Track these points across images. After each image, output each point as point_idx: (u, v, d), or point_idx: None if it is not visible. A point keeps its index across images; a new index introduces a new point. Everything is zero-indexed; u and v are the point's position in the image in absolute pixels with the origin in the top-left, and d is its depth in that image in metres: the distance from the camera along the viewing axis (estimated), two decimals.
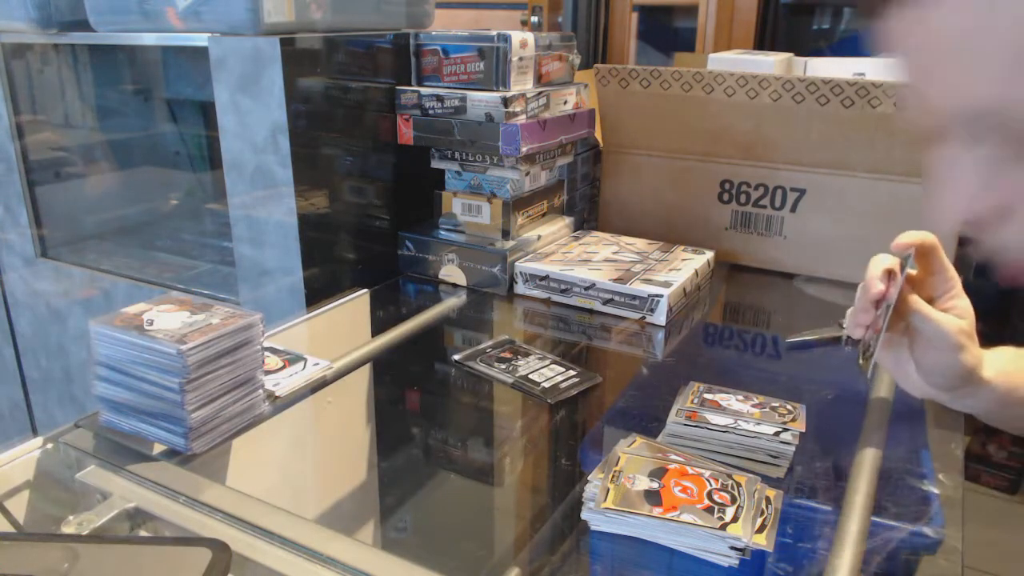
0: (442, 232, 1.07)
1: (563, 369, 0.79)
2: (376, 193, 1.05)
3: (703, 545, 0.51)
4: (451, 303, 1.00)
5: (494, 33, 0.96)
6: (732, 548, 0.50)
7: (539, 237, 1.07)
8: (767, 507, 0.54)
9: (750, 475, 0.57)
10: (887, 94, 0.94)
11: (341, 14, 0.99)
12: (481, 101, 0.97)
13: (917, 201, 0.98)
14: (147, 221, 1.44)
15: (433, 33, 1.02)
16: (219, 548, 0.47)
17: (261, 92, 0.89)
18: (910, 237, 0.61)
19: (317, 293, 0.96)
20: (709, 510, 0.52)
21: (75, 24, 1.07)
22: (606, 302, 0.94)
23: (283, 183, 0.92)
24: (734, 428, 0.65)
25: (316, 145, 0.94)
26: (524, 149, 0.96)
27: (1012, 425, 0.65)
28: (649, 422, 0.69)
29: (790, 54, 1.24)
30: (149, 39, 1.02)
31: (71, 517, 0.55)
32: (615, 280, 0.94)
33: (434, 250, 1.05)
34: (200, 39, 0.93)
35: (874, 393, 0.73)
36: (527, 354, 0.83)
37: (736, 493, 0.54)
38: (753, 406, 0.69)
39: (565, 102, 1.08)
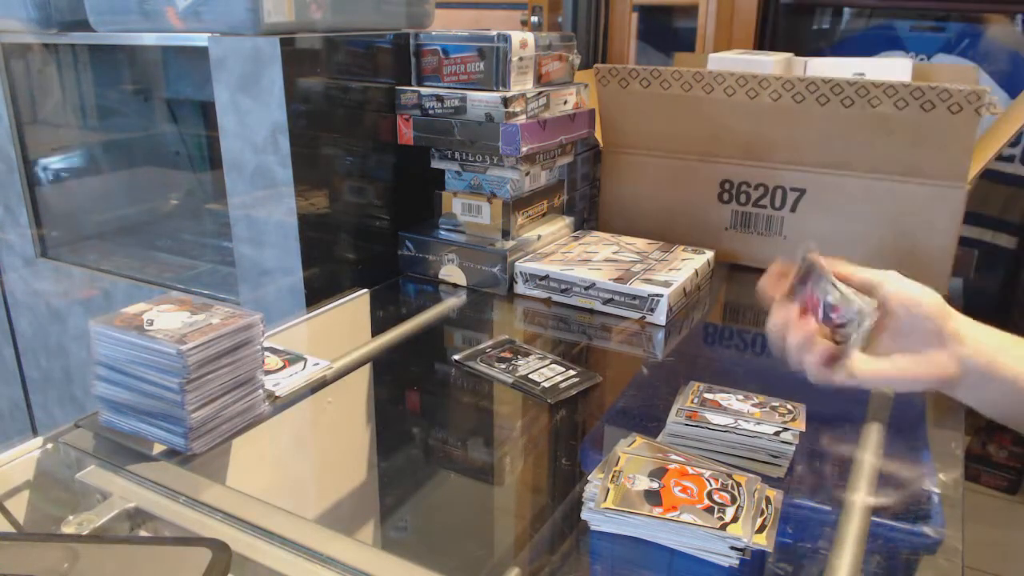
0: (442, 232, 1.07)
1: (563, 369, 0.79)
2: (376, 193, 1.05)
3: (703, 545, 0.51)
4: (451, 303, 1.00)
5: (494, 33, 0.96)
6: (732, 548, 0.50)
7: (539, 237, 1.07)
8: (767, 507, 0.54)
9: (750, 475, 0.57)
10: (887, 94, 0.94)
11: (341, 14, 0.99)
12: (481, 101, 0.97)
13: (917, 201, 0.99)
14: (147, 221, 1.44)
15: (433, 33, 1.02)
16: (219, 548, 0.46)
17: (261, 92, 0.89)
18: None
19: (317, 293, 0.96)
20: (709, 510, 0.52)
21: (75, 24, 1.07)
22: (606, 302, 0.94)
23: (283, 183, 0.92)
24: (734, 428, 0.65)
25: (316, 145, 0.94)
26: (524, 149, 0.96)
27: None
28: (649, 422, 0.69)
29: (790, 54, 1.24)
30: (149, 39, 1.02)
31: (71, 517, 0.55)
32: (615, 280, 0.94)
33: (434, 250, 1.05)
34: (200, 39, 0.93)
35: (874, 393, 0.73)
36: (527, 354, 0.83)
37: (736, 493, 0.54)
38: (753, 406, 0.69)
39: (565, 102, 1.08)
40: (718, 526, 0.51)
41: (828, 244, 1.06)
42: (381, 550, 0.54)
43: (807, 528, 0.57)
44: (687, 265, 0.99)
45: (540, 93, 1.02)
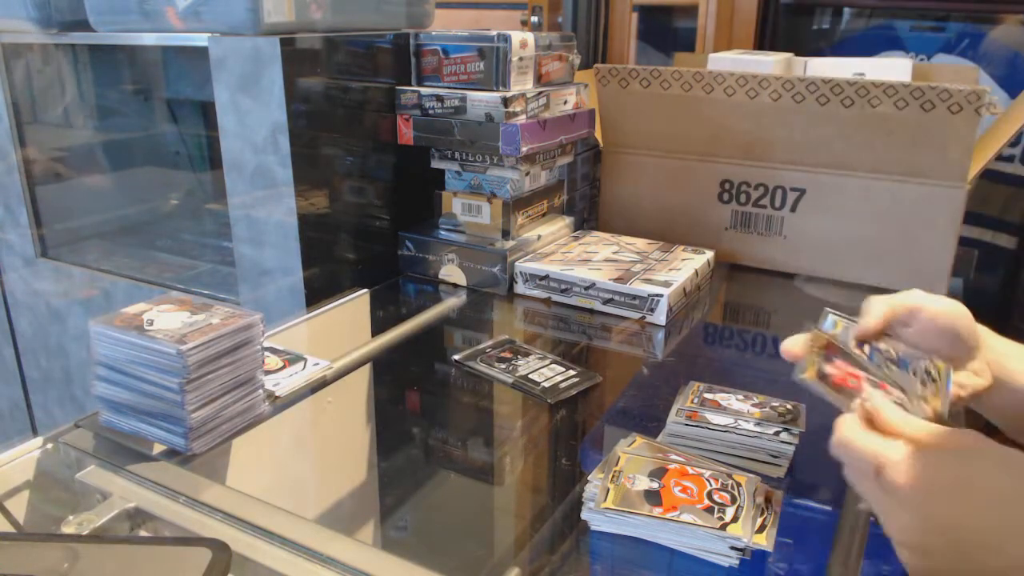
0: (442, 232, 1.07)
1: (563, 369, 0.79)
2: (376, 193, 1.05)
3: (703, 545, 0.51)
4: (451, 303, 1.00)
5: (494, 33, 0.96)
6: (732, 548, 0.50)
7: (539, 237, 1.07)
8: (767, 507, 0.54)
9: (750, 475, 0.57)
10: (887, 94, 0.94)
11: (341, 14, 0.98)
12: (481, 101, 0.97)
13: (917, 201, 0.99)
14: (147, 221, 1.44)
15: (433, 33, 1.02)
16: (219, 548, 0.46)
17: (261, 92, 0.89)
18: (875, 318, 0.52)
19: (317, 293, 0.96)
20: (709, 510, 0.52)
21: (75, 24, 1.07)
22: (606, 302, 0.94)
23: (283, 183, 0.92)
24: (734, 428, 0.65)
25: (316, 145, 0.94)
26: (524, 149, 0.96)
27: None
28: (649, 422, 0.69)
29: (790, 54, 1.24)
30: (149, 39, 1.02)
31: (71, 517, 0.55)
32: (615, 280, 0.94)
33: (434, 250, 1.05)
34: (200, 39, 0.93)
35: None
36: (527, 354, 0.83)
37: (736, 493, 0.54)
38: (753, 406, 0.69)
39: (565, 102, 1.08)
40: (718, 526, 0.51)
41: (828, 244, 1.07)
42: (381, 550, 0.55)
43: (807, 528, 0.57)
44: (687, 265, 0.99)
45: (540, 93, 1.02)
